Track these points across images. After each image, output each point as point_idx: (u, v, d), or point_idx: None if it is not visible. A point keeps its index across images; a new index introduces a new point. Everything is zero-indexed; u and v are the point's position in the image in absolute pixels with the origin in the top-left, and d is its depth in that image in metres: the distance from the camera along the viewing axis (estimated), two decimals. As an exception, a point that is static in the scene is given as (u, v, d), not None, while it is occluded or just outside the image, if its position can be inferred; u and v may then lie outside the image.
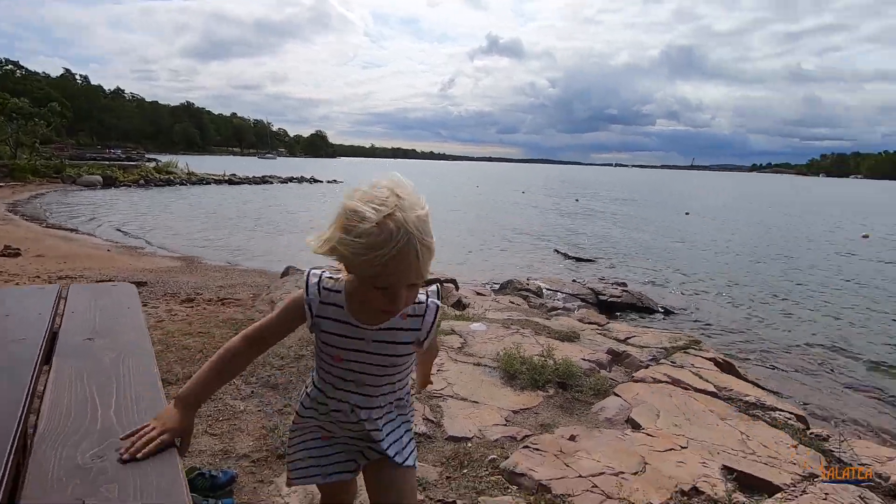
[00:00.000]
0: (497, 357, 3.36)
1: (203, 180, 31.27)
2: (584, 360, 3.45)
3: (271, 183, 35.26)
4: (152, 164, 36.94)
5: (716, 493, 1.99)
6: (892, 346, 6.05)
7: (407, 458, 1.12)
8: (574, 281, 8.27)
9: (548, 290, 7.29)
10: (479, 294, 7.09)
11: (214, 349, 1.20)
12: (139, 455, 0.83)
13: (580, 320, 5.20)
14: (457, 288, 6.39)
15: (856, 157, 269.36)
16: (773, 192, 57.54)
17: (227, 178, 33.41)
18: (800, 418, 2.86)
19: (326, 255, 0.90)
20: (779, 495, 2.02)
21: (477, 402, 2.79)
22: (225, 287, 6.71)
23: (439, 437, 2.43)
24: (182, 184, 29.18)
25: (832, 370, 5.21)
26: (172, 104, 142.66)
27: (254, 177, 36.04)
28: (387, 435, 1.10)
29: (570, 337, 4.06)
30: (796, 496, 2.00)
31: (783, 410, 2.89)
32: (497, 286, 7.89)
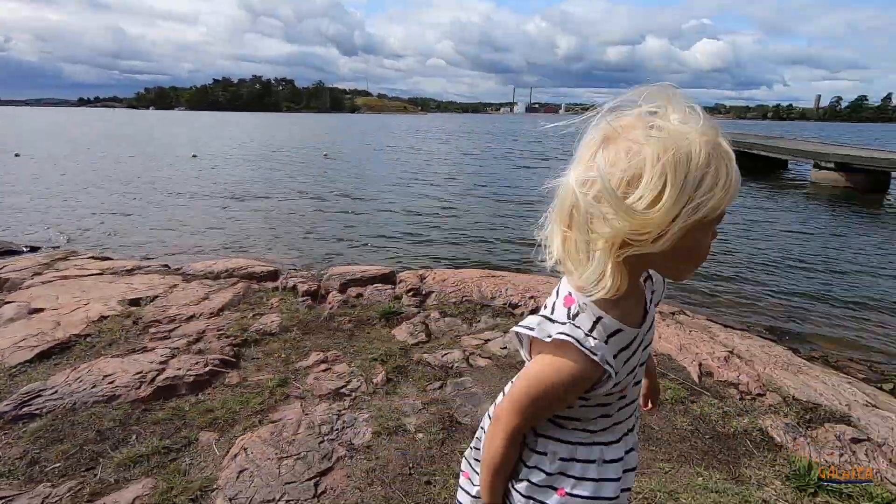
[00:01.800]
0: None
1: None
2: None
3: None
4: None
5: (115, 312, 3.00)
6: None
7: None
8: None
9: None
10: None
11: None
12: None
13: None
14: None
15: (174, 91, 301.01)
16: (110, 125, 56.94)
17: None
18: (163, 267, 4.22)
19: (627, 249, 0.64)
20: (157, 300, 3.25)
21: None
22: None
23: None
24: None
25: (248, 240, 7.20)
26: None
27: None
28: None
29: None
30: (167, 295, 3.30)
31: (151, 263, 4.14)
32: None
